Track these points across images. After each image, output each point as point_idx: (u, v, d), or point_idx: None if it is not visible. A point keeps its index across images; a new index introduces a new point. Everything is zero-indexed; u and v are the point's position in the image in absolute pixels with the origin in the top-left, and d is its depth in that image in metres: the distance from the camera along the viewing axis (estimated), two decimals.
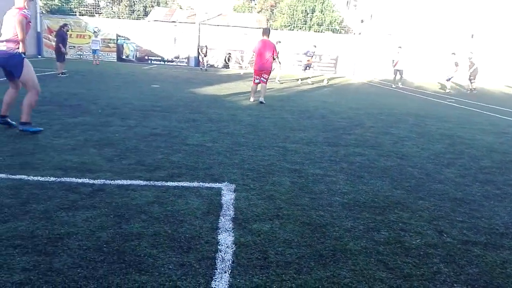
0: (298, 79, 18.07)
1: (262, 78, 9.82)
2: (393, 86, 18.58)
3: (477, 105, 12.70)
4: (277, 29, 30.79)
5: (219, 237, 2.63)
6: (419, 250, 2.68)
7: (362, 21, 26.48)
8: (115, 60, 24.94)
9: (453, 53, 17.94)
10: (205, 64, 22.43)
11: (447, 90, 17.52)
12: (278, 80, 16.72)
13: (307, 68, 17.70)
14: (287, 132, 6.42)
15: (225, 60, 25.30)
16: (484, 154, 5.68)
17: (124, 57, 25.27)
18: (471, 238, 2.92)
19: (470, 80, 18.31)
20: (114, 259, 2.32)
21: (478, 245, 2.81)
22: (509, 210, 3.53)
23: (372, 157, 5.09)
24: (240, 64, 24.91)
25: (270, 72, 10.05)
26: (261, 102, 9.69)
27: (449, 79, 17.74)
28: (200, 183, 3.67)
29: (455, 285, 2.30)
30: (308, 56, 17.39)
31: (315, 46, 17.74)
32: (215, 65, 24.98)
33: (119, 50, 25.27)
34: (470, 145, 6.24)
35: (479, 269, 2.50)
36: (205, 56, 22.23)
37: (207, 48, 22.47)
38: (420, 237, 2.87)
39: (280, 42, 16.81)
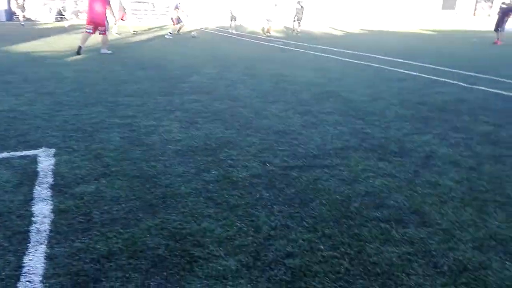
0: (178, 31, 16.89)
1: (99, 31, 9.64)
2: (230, 31, 18.99)
3: (301, 45, 13.94)
4: None
5: (33, 209, 2.36)
6: (245, 181, 2.88)
7: None
8: None
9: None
10: (22, 17, 19.16)
11: (267, 34, 18.54)
12: (116, 33, 15.39)
13: (179, 21, 16.94)
14: (119, 85, 6.03)
15: (60, 11, 22.07)
16: (304, 88, 6.31)
17: None
18: (290, 163, 3.25)
19: (298, 22, 19.82)
20: None
21: (295, 169, 3.15)
22: (322, 134, 4.04)
23: (206, 102, 5.18)
24: (62, 15, 22.02)
25: (104, 24, 9.82)
26: (104, 53, 9.72)
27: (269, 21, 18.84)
28: (11, 152, 3.20)
29: (274, 206, 2.55)
30: (177, 8, 16.60)
31: None
32: (33, 18, 21.56)
33: None
34: (293, 82, 6.85)
35: (296, 189, 2.82)
36: (22, 8, 18.96)
37: None
38: (246, 170, 3.08)
39: None
